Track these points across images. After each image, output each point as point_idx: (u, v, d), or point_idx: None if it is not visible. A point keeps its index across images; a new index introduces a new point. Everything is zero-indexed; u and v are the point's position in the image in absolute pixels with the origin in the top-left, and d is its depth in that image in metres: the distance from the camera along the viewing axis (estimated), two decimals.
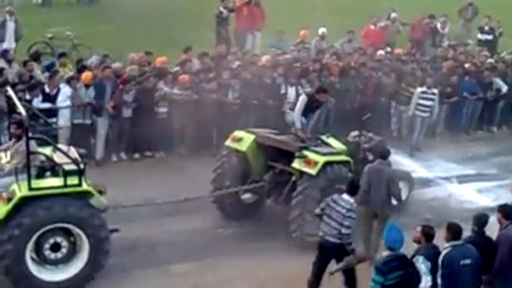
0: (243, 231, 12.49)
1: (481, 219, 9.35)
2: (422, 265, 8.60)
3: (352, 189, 10.05)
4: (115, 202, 10.94)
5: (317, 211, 10.15)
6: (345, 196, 9.98)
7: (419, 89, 17.07)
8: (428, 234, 8.86)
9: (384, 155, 11.75)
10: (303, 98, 13.11)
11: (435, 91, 17.05)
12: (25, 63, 15.37)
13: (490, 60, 19.97)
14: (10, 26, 18.31)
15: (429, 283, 8.60)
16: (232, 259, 11.39)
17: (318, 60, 17.80)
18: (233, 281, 10.72)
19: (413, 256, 8.73)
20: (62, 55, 16.44)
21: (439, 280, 8.65)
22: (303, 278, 10.15)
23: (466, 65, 19.22)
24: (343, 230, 9.74)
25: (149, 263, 11.15)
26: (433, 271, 8.61)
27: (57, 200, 9.85)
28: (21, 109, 10.02)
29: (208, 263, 11.31)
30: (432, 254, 8.71)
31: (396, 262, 8.69)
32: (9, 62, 15.55)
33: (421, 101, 17.05)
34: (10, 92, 11.14)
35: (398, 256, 8.74)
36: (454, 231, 8.81)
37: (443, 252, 8.70)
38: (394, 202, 11.59)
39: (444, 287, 8.66)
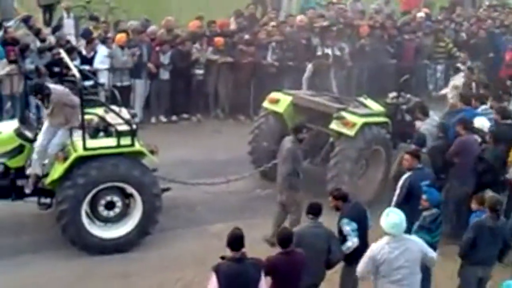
0: None
1: (444, 127, 11.33)
2: (347, 226, 8.39)
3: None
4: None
5: None
6: None
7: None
8: (342, 195, 8.69)
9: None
10: (309, 67, 14.46)
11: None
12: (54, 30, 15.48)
13: None
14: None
15: (355, 244, 8.36)
16: (269, 220, 11.37)
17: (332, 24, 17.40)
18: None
19: (339, 220, 8.53)
20: (93, 18, 16.46)
21: (401, 200, 9.33)
22: None
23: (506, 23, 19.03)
24: None
25: (187, 223, 11.29)
26: (360, 229, 8.45)
27: (111, 160, 9.97)
28: (75, 71, 10.08)
29: (245, 223, 11.14)
30: (355, 213, 8.57)
31: (439, 219, 8.68)
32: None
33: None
34: (63, 54, 11.16)
35: (439, 213, 8.73)
36: (417, 156, 9.77)
37: (405, 176, 9.57)
38: None
39: (406, 206, 8.77)
